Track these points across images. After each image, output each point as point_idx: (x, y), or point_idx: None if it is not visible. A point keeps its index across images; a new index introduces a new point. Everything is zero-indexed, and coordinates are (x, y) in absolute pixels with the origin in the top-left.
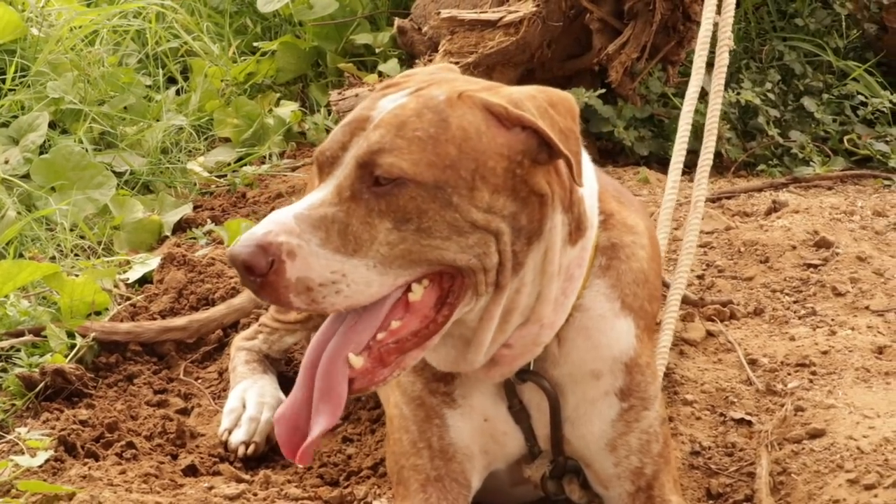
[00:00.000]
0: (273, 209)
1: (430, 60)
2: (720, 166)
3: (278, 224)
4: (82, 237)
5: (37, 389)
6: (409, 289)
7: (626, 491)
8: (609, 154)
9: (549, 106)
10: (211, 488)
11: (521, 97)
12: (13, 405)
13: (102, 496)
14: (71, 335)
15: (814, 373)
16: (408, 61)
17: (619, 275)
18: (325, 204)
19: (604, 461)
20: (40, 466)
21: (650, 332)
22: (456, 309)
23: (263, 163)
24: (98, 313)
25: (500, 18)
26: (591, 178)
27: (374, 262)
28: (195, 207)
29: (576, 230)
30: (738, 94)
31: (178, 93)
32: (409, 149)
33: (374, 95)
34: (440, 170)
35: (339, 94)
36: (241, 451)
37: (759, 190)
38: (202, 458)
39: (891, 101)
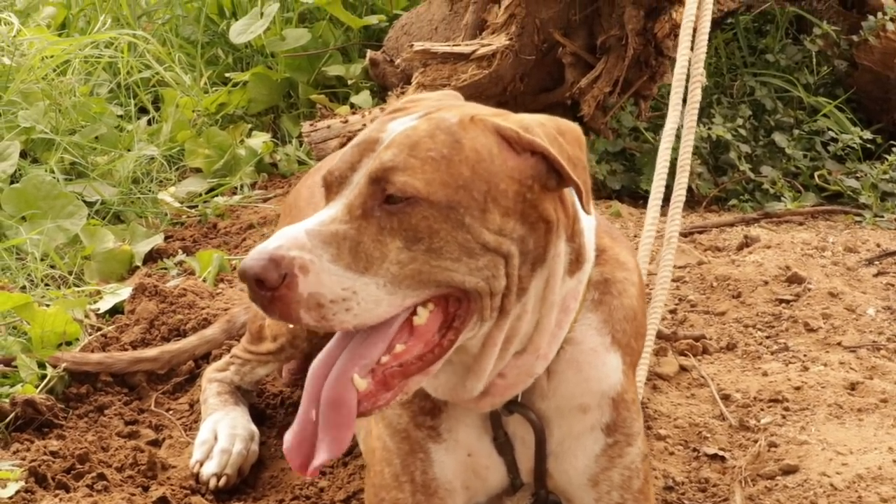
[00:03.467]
0: (244, 240)
1: (403, 93)
2: (692, 201)
3: (289, 239)
4: (53, 267)
5: (7, 420)
6: (414, 312)
7: None
8: None
9: (558, 134)
10: None
11: (532, 123)
12: None
13: None
14: (42, 365)
15: (787, 408)
16: (380, 93)
17: (611, 310)
18: (336, 221)
19: (585, 496)
20: (10, 498)
21: (634, 368)
22: (461, 334)
23: (235, 193)
24: (69, 343)
25: (474, 51)
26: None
27: (384, 280)
28: (166, 238)
29: (576, 261)
30: (710, 129)
31: (149, 123)
32: (423, 168)
33: (383, 118)
34: (453, 190)
35: (311, 125)
36: (212, 483)
37: (731, 225)
38: (174, 490)
39: (861, 138)
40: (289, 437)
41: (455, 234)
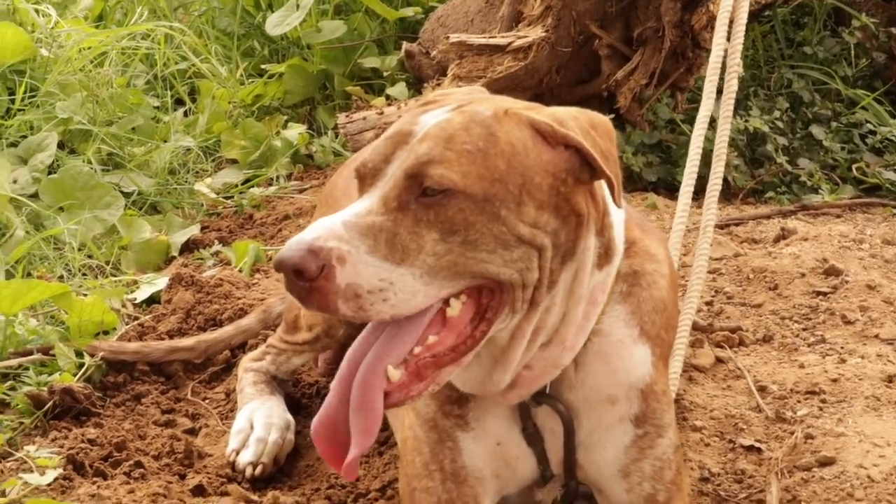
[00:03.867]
0: (280, 231)
1: (438, 84)
2: (728, 193)
3: (327, 230)
4: (90, 257)
5: (45, 408)
6: (446, 304)
7: None
8: None
9: (590, 127)
10: None
11: (565, 117)
12: (21, 423)
13: None
14: (79, 354)
15: (823, 401)
16: (415, 85)
17: (640, 302)
18: (372, 213)
19: (616, 487)
20: (49, 485)
21: (665, 360)
22: (493, 325)
23: (270, 185)
24: (106, 333)
25: (510, 43)
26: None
27: (420, 271)
28: (202, 228)
29: (605, 254)
30: (747, 121)
31: (185, 114)
32: (459, 161)
33: (414, 111)
34: (489, 183)
35: (347, 116)
36: (248, 471)
37: (768, 217)
38: (210, 478)
39: None
40: (318, 427)
41: (491, 226)
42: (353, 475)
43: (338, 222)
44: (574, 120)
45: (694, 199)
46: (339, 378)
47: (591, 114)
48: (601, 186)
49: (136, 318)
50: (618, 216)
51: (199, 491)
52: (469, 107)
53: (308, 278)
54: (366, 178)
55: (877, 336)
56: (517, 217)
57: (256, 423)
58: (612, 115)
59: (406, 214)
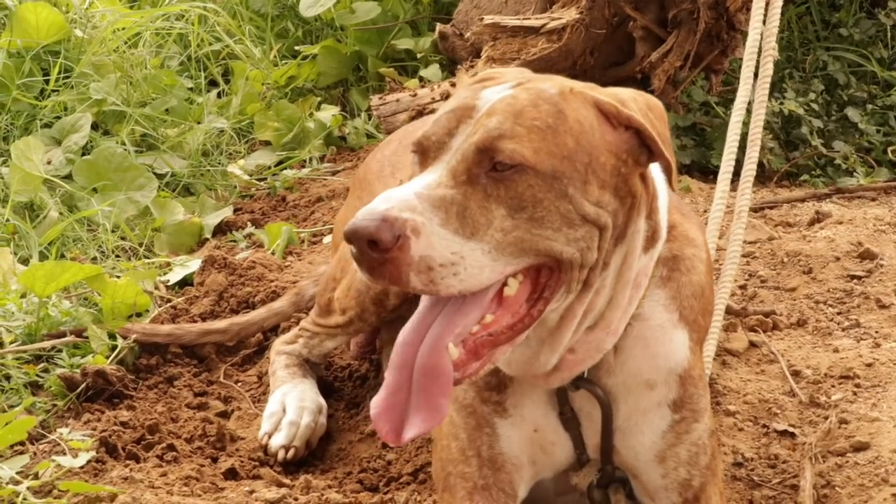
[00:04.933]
0: (313, 213)
1: (472, 66)
2: (762, 176)
3: (400, 201)
4: (123, 238)
5: (78, 390)
6: (504, 282)
7: (672, 502)
8: None
9: (647, 109)
10: (252, 492)
11: (627, 98)
12: (54, 405)
13: (144, 498)
14: (112, 336)
15: (858, 385)
16: (449, 67)
17: (679, 287)
18: (442, 185)
19: (652, 472)
20: (82, 467)
21: (701, 345)
22: (549, 304)
23: (304, 166)
24: (139, 315)
25: (543, 25)
26: (663, 190)
27: (489, 247)
28: (235, 210)
29: (651, 238)
30: (782, 103)
31: (219, 95)
32: (529, 137)
33: (473, 87)
34: (558, 160)
35: (380, 98)
36: (280, 455)
37: (802, 200)
38: (242, 461)
39: None
40: (378, 403)
41: (558, 203)
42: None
43: (410, 193)
44: (633, 101)
45: (730, 182)
46: (398, 359)
47: (647, 96)
48: (652, 169)
49: (169, 301)
50: (663, 200)
51: (231, 474)
52: (532, 84)
53: (383, 249)
54: (429, 152)
55: None
56: (583, 195)
57: (289, 406)
58: None
59: (476, 188)
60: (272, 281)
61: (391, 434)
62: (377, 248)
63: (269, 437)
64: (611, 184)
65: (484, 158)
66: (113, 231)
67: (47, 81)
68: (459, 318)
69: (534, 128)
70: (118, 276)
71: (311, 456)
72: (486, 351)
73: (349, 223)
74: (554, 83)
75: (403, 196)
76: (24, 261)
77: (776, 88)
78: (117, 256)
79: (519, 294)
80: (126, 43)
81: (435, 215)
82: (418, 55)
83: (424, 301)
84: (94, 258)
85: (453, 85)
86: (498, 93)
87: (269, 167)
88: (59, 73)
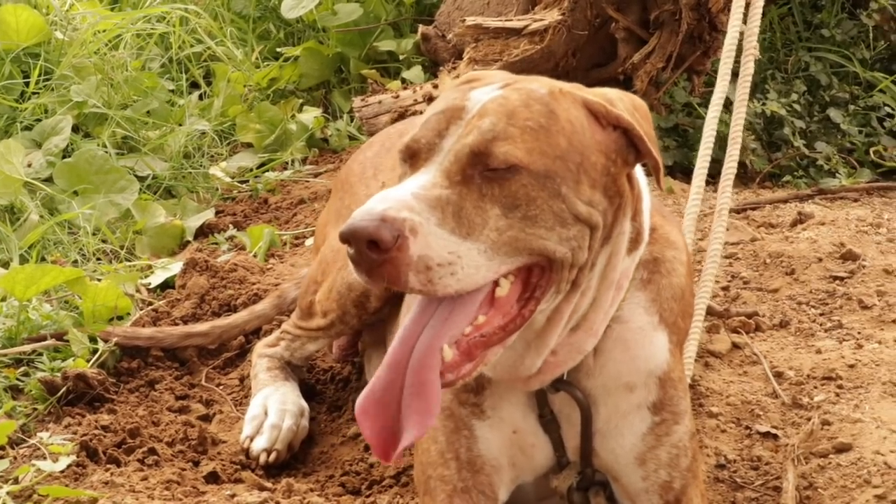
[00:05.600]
0: (295, 216)
1: (454, 68)
2: (745, 177)
3: (397, 201)
4: (104, 241)
5: (59, 394)
6: (496, 283)
7: None
8: None
9: (633, 109)
10: (233, 496)
11: (614, 97)
12: (35, 409)
13: (125, 502)
14: (93, 340)
15: (840, 386)
16: (431, 68)
17: (660, 289)
18: (437, 186)
19: (632, 475)
20: (62, 471)
21: (681, 347)
22: (539, 305)
23: (286, 168)
24: (120, 318)
25: (526, 26)
26: (646, 191)
27: (484, 246)
28: (217, 213)
29: (634, 240)
30: (764, 104)
31: (200, 97)
32: (523, 137)
33: (461, 87)
34: (551, 160)
35: (363, 100)
36: (262, 458)
37: (785, 201)
38: (224, 465)
39: None
40: (366, 406)
41: (551, 202)
42: (399, 460)
43: (407, 193)
44: (620, 101)
45: (710, 182)
46: (391, 359)
47: (632, 96)
48: (636, 171)
49: (151, 304)
50: (647, 202)
51: (212, 478)
52: (521, 84)
53: (383, 249)
54: (419, 153)
55: (894, 321)
56: (575, 195)
57: (271, 409)
58: None
59: (471, 188)
60: (254, 284)
61: (380, 450)
62: (376, 249)
63: (251, 440)
64: (601, 183)
65: (478, 160)
66: (94, 234)
67: (27, 84)
68: (453, 320)
69: (527, 128)
70: (99, 280)
71: (293, 459)
72: (478, 352)
73: (346, 224)
74: (542, 83)
75: (400, 196)
76: (5, 264)
77: (759, 89)
78: (98, 259)
79: (510, 294)
80: (107, 45)
81: (432, 215)
82: (400, 57)
83: (417, 303)
84: (75, 261)
85: (436, 86)
86: (487, 93)
87: (251, 169)
88: (40, 75)
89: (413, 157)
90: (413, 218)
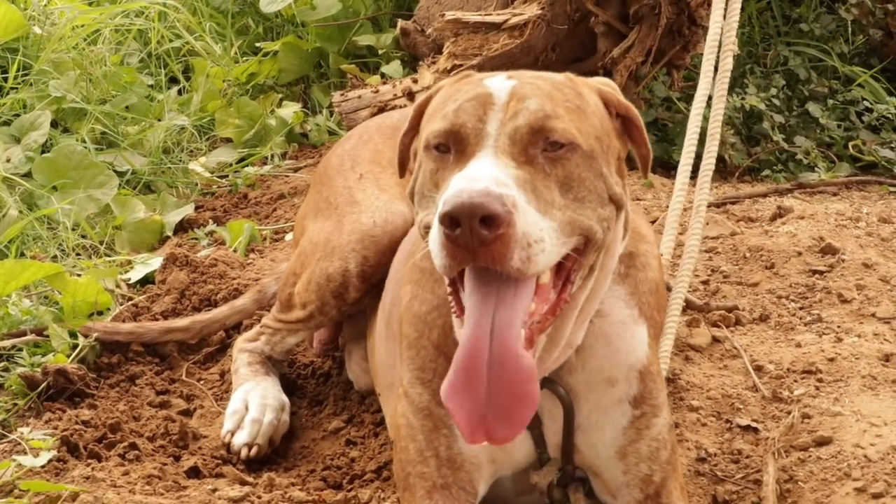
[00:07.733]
0: (275, 210)
1: (434, 62)
2: (724, 171)
3: (492, 179)
4: (84, 236)
5: (39, 389)
6: None
7: (634, 499)
8: None
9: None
10: (214, 490)
11: (611, 88)
12: (15, 405)
13: (106, 497)
14: (73, 335)
15: (820, 380)
16: (411, 63)
17: (637, 283)
18: (509, 166)
19: (613, 469)
20: (43, 467)
21: (657, 341)
22: (571, 289)
23: (265, 163)
24: (100, 313)
25: (505, 21)
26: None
27: (556, 224)
28: (197, 208)
29: (624, 231)
30: (743, 98)
31: (179, 92)
32: (570, 117)
33: (471, 80)
34: (594, 139)
35: (342, 95)
36: (243, 453)
37: (764, 195)
38: (205, 459)
39: None
40: (452, 394)
41: (596, 182)
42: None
43: (497, 171)
44: (616, 91)
45: (691, 177)
46: (468, 350)
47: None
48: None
49: (131, 299)
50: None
51: (193, 472)
52: (529, 73)
53: (495, 225)
54: (467, 139)
55: (873, 315)
56: (610, 175)
57: (251, 404)
58: None
59: (536, 168)
60: (234, 278)
61: (473, 427)
62: (489, 225)
63: (232, 435)
64: (616, 166)
65: (538, 138)
66: (73, 229)
67: (6, 79)
68: (518, 304)
69: (568, 109)
70: (79, 275)
71: (275, 454)
72: (535, 338)
73: (454, 202)
74: (549, 73)
75: (491, 175)
76: None
77: (737, 84)
78: (78, 255)
79: (550, 281)
80: (85, 40)
81: (521, 193)
82: (380, 51)
83: (475, 289)
84: (55, 256)
85: (415, 81)
86: (504, 82)
87: (231, 164)
88: (18, 70)
89: (460, 142)
90: (513, 194)
